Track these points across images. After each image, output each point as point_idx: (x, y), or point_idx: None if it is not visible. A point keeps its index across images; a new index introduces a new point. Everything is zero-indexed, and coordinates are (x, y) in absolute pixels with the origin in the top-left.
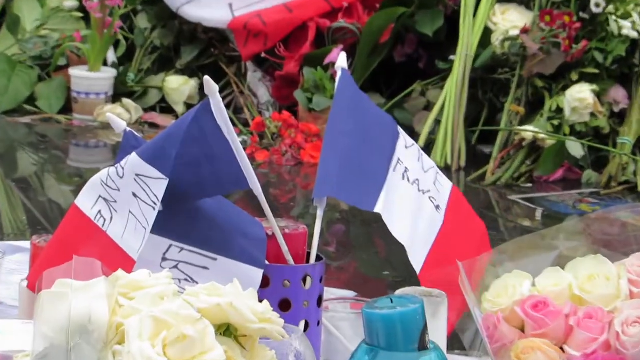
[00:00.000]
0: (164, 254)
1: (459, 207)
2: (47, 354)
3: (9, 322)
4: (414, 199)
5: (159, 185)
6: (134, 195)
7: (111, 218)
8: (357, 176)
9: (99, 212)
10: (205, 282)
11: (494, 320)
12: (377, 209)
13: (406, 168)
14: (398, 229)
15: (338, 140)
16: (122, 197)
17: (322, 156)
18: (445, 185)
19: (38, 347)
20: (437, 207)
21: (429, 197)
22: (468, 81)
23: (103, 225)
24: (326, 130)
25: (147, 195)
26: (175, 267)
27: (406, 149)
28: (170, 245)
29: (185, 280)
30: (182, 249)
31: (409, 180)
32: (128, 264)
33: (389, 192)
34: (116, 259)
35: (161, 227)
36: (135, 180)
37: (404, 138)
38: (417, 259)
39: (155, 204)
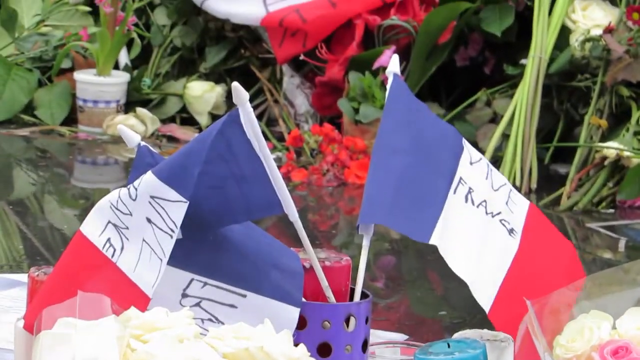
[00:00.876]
0: (185, 289)
1: (539, 228)
2: None
3: None
4: (480, 224)
5: (178, 209)
6: (149, 220)
7: (122, 247)
8: (410, 201)
9: (108, 240)
10: (232, 323)
11: None
12: (432, 241)
13: (470, 188)
14: (459, 263)
15: (388, 159)
16: (134, 222)
17: (369, 176)
18: (521, 204)
19: None
20: (511, 230)
21: (500, 221)
22: (541, 89)
23: (112, 255)
24: (375, 146)
25: (164, 220)
26: (198, 304)
27: (471, 165)
28: (192, 280)
29: (209, 320)
30: (205, 283)
31: (473, 202)
32: (142, 301)
33: (447, 219)
34: (128, 295)
35: (181, 258)
36: (150, 203)
37: (468, 152)
38: (485, 296)
39: (173, 231)
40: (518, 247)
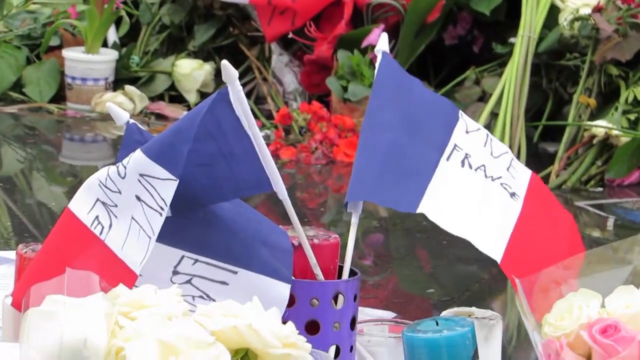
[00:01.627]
0: (175, 266)
1: (541, 196)
2: None
3: None
4: (480, 185)
5: (168, 187)
6: (138, 198)
7: (110, 225)
8: (398, 175)
9: (97, 217)
10: (223, 300)
11: (556, 347)
12: (420, 210)
13: (467, 154)
14: (455, 224)
15: (377, 136)
16: (123, 200)
17: (357, 154)
18: (523, 172)
19: None
20: (513, 194)
21: (501, 184)
22: (530, 68)
23: (101, 233)
24: (363, 123)
25: (153, 198)
26: (189, 282)
27: (467, 134)
28: (183, 257)
29: (200, 297)
30: (196, 260)
31: (470, 166)
32: (129, 278)
33: (439, 185)
34: (115, 273)
35: (172, 235)
36: (139, 181)
37: (464, 122)
38: (495, 248)
39: (162, 209)
40: (521, 209)
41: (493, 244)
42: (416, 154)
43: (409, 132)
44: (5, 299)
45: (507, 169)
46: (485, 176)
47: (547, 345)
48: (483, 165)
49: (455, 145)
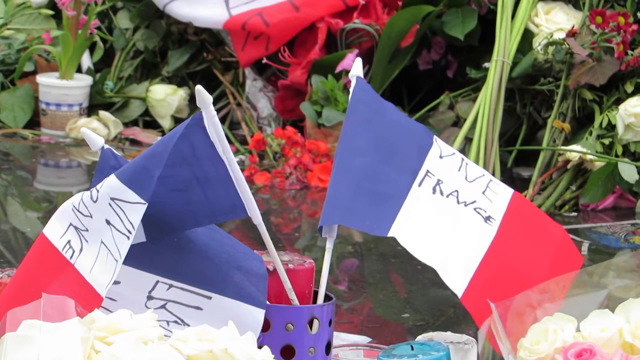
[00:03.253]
0: (150, 291)
1: (524, 214)
2: None
3: None
4: (450, 213)
5: (137, 210)
6: (108, 222)
7: (81, 249)
8: (371, 199)
9: (68, 242)
10: (197, 324)
11: None
12: (391, 233)
13: (439, 180)
14: (422, 250)
15: (350, 160)
16: (94, 224)
17: (332, 179)
18: (503, 193)
19: None
20: (488, 218)
21: (475, 209)
22: (504, 93)
23: (71, 257)
24: (337, 148)
25: (122, 222)
26: (163, 307)
27: (440, 159)
28: (157, 282)
29: (175, 322)
30: (170, 285)
31: (442, 193)
32: (95, 301)
33: (410, 210)
34: (83, 295)
35: (146, 261)
36: (110, 204)
37: (438, 147)
38: (457, 281)
39: (130, 232)
40: (496, 233)
41: (457, 276)
42: (389, 179)
43: (383, 157)
44: None
45: (483, 192)
46: (458, 202)
47: None
48: (456, 191)
49: (428, 172)
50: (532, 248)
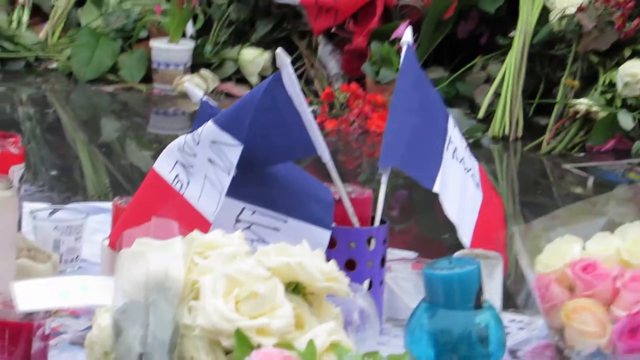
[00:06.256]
0: (238, 216)
1: (487, 183)
2: (127, 309)
3: (91, 279)
4: (461, 178)
5: (234, 151)
6: (210, 161)
7: (188, 182)
8: (419, 153)
9: (177, 176)
10: (275, 243)
11: (546, 282)
12: (435, 189)
13: (455, 148)
14: (451, 209)
15: (403, 116)
16: (198, 162)
17: (387, 128)
18: (475, 164)
19: (118, 302)
20: (477, 184)
21: (471, 175)
22: (527, 56)
23: (180, 188)
24: (391, 104)
25: (222, 161)
26: (248, 228)
27: (454, 128)
28: (244, 208)
29: (258, 240)
30: (254, 211)
31: (457, 159)
32: (204, 225)
33: (444, 172)
34: (193, 221)
35: (235, 190)
36: (211, 147)
37: (451, 117)
38: (465, 235)
39: (229, 169)
40: (482, 197)
41: (466, 231)
42: (431, 138)
43: (426, 118)
44: (103, 242)
45: (472, 162)
46: (464, 168)
47: (539, 281)
48: (463, 159)
49: (450, 138)
50: (497, 212)
